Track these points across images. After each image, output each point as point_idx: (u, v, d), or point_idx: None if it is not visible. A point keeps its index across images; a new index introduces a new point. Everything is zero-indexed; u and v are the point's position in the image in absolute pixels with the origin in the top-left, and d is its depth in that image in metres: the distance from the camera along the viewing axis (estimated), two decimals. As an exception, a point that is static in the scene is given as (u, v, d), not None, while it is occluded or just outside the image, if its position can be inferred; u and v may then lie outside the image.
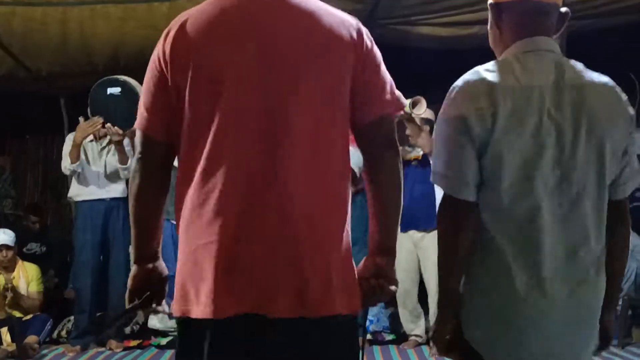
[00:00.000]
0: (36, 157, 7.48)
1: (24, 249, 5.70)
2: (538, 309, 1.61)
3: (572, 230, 1.63)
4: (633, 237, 5.15)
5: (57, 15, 4.20)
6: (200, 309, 1.46)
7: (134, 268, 1.65)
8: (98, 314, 4.89)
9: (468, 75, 1.65)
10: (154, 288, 1.65)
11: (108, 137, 4.79)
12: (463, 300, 1.67)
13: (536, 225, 1.60)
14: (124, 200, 4.88)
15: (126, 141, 4.74)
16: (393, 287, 1.61)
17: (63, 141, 5.01)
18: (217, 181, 1.47)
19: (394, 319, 5.04)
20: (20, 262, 5.05)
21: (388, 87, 1.59)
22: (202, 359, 1.47)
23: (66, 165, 4.78)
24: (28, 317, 4.88)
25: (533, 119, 1.58)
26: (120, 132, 4.57)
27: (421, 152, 4.38)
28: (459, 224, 1.63)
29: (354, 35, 1.53)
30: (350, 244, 1.57)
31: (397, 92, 1.60)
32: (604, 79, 1.69)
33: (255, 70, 1.47)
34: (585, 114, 1.61)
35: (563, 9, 1.71)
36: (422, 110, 3.64)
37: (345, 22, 1.54)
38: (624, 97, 1.69)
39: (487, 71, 1.64)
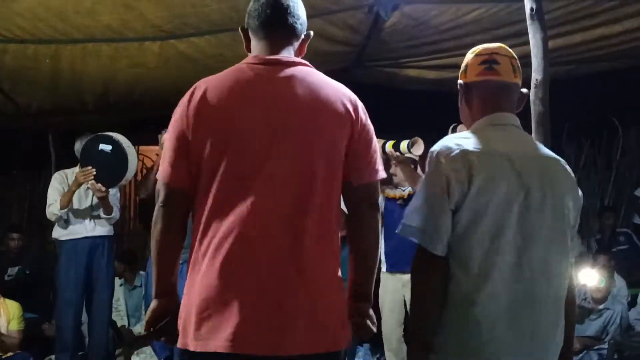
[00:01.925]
0: (23, 193, 7.44)
1: (5, 276, 5.56)
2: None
3: (539, 286, 1.73)
4: (617, 280, 5.17)
5: (48, 53, 4.22)
6: (218, 344, 1.62)
7: (154, 302, 1.82)
8: (80, 353, 4.80)
9: (446, 142, 1.79)
10: (170, 318, 1.78)
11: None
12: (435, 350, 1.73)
13: (502, 280, 1.69)
14: (109, 238, 4.86)
15: (112, 191, 4.71)
16: (374, 327, 1.79)
17: (50, 177, 4.98)
18: (228, 231, 1.65)
19: (381, 362, 4.98)
20: (1, 299, 4.97)
21: (376, 157, 1.77)
22: None
23: (53, 210, 4.66)
24: (8, 355, 4.78)
25: (504, 183, 1.71)
26: (103, 189, 4.53)
27: (406, 192, 4.41)
28: (430, 276, 1.72)
29: (351, 109, 1.74)
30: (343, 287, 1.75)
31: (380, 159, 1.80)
32: (556, 155, 1.87)
33: (262, 136, 1.67)
34: (550, 182, 1.77)
35: (524, 90, 1.91)
36: (420, 151, 3.62)
37: (346, 96, 1.74)
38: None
39: (462, 138, 1.79)
